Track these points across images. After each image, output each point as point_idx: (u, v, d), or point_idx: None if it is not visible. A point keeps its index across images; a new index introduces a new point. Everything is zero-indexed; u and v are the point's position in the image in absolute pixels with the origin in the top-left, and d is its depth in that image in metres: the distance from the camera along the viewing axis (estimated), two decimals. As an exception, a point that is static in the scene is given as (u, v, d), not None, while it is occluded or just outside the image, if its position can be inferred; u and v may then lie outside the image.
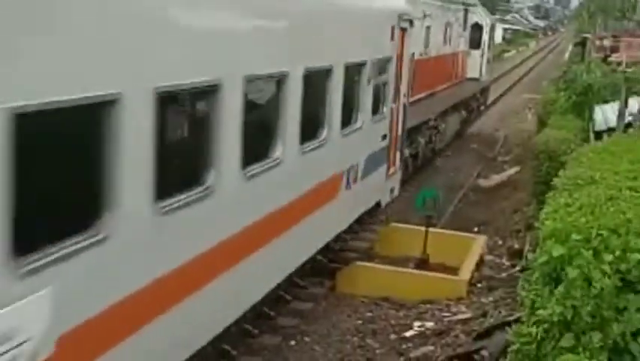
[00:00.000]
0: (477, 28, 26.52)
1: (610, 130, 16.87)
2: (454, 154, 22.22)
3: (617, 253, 6.03)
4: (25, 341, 4.77)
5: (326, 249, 11.29)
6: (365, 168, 12.03)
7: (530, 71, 53.66)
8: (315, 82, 9.44)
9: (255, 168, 8.01)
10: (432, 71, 19.60)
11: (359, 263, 12.41)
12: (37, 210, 5.00)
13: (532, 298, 6.29)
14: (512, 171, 21.87)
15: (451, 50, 22.69)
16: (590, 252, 6.02)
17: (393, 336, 10.74)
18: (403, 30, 13.61)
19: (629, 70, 17.20)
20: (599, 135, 16.53)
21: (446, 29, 21.69)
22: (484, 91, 29.92)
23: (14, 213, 4.60)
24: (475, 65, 26.49)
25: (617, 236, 6.25)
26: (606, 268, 5.90)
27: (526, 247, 13.08)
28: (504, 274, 13.15)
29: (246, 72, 7.47)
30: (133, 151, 5.70)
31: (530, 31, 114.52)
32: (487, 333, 9.94)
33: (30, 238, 4.79)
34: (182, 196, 6.57)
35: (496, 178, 21.38)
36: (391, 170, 13.97)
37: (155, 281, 6.25)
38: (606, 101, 18.52)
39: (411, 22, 13.82)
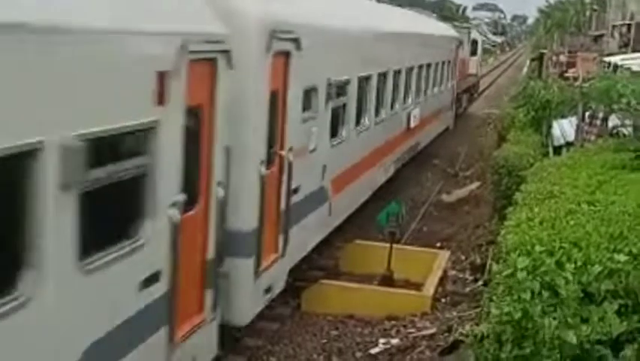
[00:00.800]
0: (474, 42, 41.75)
1: (568, 144, 17.14)
2: (416, 170, 22.37)
3: (579, 264, 6.14)
4: None
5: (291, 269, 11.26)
6: None
7: (489, 87, 54.19)
8: None
9: None
10: (459, 67, 33.20)
11: (324, 281, 12.42)
12: None
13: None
14: (473, 186, 22.06)
15: (463, 56, 35.41)
16: (554, 263, 6.13)
17: (358, 354, 10.74)
18: (458, 46, 25.16)
19: (586, 85, 17.47)
20: (557, 150, 16.78)
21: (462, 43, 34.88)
22: (478, 82, 46.59)
23: None
24: (473, 66, 41.44)
25: (578, 249, 6.36)
26: (569, 276, 6.01)
27: (489, 262, 13.19)
28: (467, 289, 13.24)
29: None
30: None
31: (488, 47, 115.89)
32: (452, 348, 10.00)
33: None
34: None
35: (458, 193, 21.54)
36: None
37: None
38: (564, 116, 18.80)
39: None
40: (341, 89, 12.47)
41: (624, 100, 12.01)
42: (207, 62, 7.53)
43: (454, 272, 14.09)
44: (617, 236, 6.78)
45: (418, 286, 12.80)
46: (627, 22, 31.90)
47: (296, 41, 9.68)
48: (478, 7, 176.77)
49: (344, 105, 12.94)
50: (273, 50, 9.02)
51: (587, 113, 17.13)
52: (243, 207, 8.76)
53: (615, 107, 12.68)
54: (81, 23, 5.42)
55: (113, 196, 6.06)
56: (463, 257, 15.26)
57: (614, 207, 7.80)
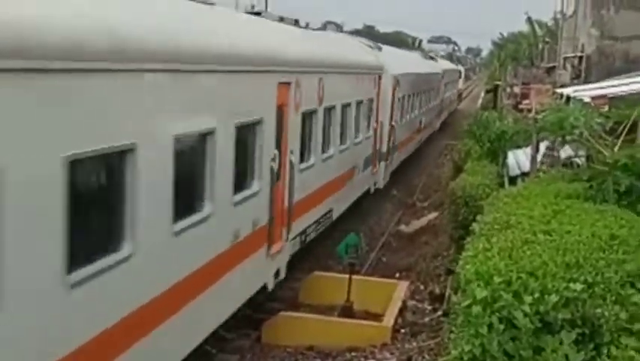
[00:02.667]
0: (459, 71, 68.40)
1: (523, 174, 17.37)
2: (375, 201, 22.48)
3: (536, 295, 6.22)
4: None
5: (250, 300, 11.25)
6: None
7: (447, 117, 54.84)
8: None
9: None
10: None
11: (284, 313, 12.40)
12: None
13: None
14: (431, 216, 22.24)
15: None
16: (511, 294, 6.20)
17: (320, 386, 10.72)
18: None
19: (539, 116, 17.77)
20: (513, 180, 17.00)
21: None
22: (461, 95, 71.54)
23: None
24: (459, 85, 66.63)
25: (535, 279, 6.45)
26: (527, 309, 6.08)
27: (447, 292, 13.28)
28: (427, 319, 13.31)
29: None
30: None
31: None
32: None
33: None
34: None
35: (416, 224, 21.69)
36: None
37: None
38: (519, 147, 19.07)
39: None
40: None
41: (577, 131, 12.24)
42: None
43: (413, 302, 14.16)
44: (573, 265, 6.89)
45: (377, 317, 12.84)
46: (579, 54, 32.53)
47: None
48: (434, 40, 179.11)
49: None
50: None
51: (541, 144, 17.42)
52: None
53: (568, 138, 12.90)
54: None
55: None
56: (422, 287, 15.35)
57: (569, 236, 7.92)
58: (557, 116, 12.83)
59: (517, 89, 41.64)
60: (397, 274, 16.34)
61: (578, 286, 6.33)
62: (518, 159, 18.30)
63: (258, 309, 12.19)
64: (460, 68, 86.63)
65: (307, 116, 13.60)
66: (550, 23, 59.41)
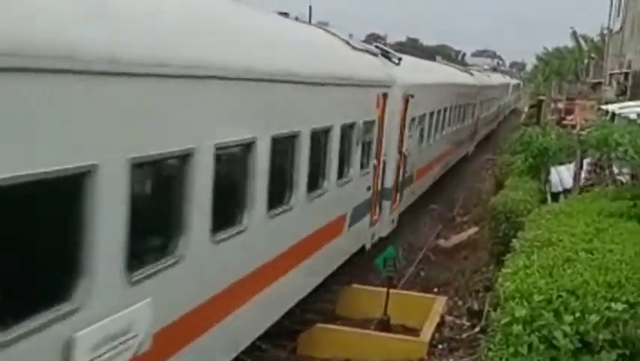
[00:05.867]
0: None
1: (566, 191, 17.19)
2: (413, 215, 22.36)
3: (577, 314, 6.13)
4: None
5: (288, 311, 11.23)
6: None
7: (490, 132, 54.47)
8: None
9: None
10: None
11: (320, 325, 12.37)
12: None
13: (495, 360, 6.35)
14: (471, 231, 22.06)
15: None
16: (552, 313, 6.12)
17: (355, 399, 10.66)
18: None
19: (583, 133, 17.58)
20: (555, 197, 16.82)
21: None
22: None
23: None
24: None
25: (575, 298, 6.36)
26: (567, 328, 6.00)
27: (486, 308, 13.15)
28: (464, 335, 13.18)
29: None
30: None
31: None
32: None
33: None
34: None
35: (455, 238, 21.54)
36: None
37: None
38: (562, 163, 18.89)
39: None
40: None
41: (621, 149, 12.08)
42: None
43: (451, 318, 14.04)
44: (615, 285, 6.79)
45: (414, 332, 12.75)
46: (624, 70, 32.12)
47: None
48: (477, 54, 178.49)
49: None
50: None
51: (585, 161, 17.22)
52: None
53: (613, 155, 12.74)
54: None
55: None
56: (460, 303, 15.22)
57: (611, 255, 7.82)
58: (602, 133, 12.68)
59: (561, 105, 41.29)
60: (435, 289, 16.23)
61: (620, 306, 6.23)
62: (561, 175, 18.12)
63: (294, 320, 12.18)
64: (513, 80, 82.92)
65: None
66: (596, 39, 58.83)
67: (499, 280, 7.73)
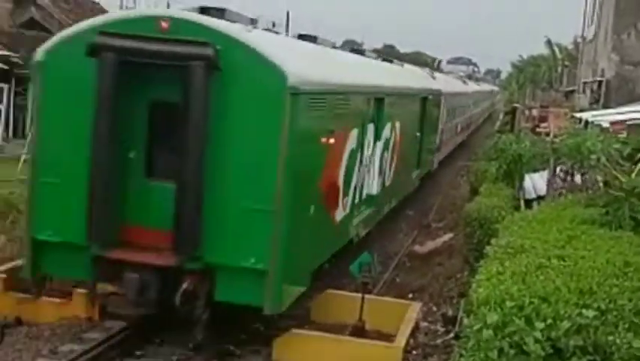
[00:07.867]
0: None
1: (539, 198, 17.34)
2: (388, 221, 22.45)
3: (549, 320, 6.19)
4: None
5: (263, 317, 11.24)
6: None
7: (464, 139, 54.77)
8: None
9: None
10: None
11: (295, 331, 12.38)
12: None
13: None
14: (446, 237, 22.18)
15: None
16: (523, 319, 6.18)
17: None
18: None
19: (557, 140, 17.76)
20: (529, 203, 16.96)
21: None
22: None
23: None
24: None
25: (547, 304, 6.43)
26: (538, 335, 6.06)
27: (460, 314, 13.23)
28: (439, 341, 13.25)
29: None
30: None
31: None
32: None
33: None
34: None
35: (430, 245, 21.64)
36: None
37: None
38: (536, 170, 19.04)
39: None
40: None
41: (594, 156, 12.22)
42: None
43: (425, 324, 14.10)
44: (586, 291, 6.87)
45: (389, 338, 12.78)
46: (598, 79, 32.46)
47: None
48: (453, 61, 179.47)
49: None
50: None
51: (558, 168, 17.38)
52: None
53: (585, 163, 12.89)
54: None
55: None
56: (435, 308, 15.29)
57: (583, 262, 7.90)
58: (575, 141, 12.82)
59: (535, 112, 41.62)
60: (410, 295, 16.29)
61: (591, 313, 6.31)
62: (535, 182, 18.27)
63: (269, 325, 12.18)
64: (490, 87, 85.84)
65: None
66: (570, 47, 59.42)
67: (473, 286, 7.79)
